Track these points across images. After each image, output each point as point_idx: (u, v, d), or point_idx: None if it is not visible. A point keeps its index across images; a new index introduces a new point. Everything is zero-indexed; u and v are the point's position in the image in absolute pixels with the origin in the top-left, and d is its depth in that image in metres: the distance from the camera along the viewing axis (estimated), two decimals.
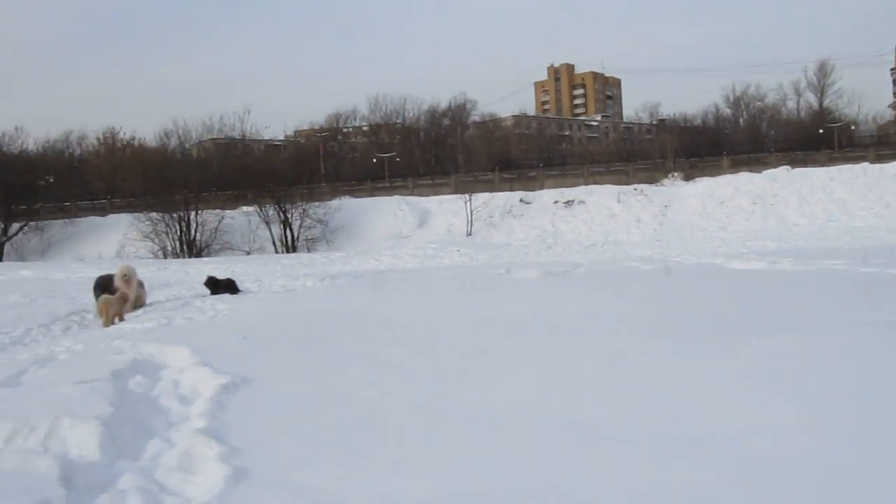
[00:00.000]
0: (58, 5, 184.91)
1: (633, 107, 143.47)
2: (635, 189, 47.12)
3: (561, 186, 48.53)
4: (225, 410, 5.17)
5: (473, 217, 43.74)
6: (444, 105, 78.16)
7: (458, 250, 27.32)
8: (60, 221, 49.43)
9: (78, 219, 50.83)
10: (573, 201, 46.09)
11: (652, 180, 49.10)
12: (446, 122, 77.22)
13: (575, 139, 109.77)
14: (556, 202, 46.34)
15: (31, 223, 48.24)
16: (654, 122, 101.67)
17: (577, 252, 32.61)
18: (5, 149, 52.93)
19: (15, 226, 47.76)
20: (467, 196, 44.35)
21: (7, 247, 47.23)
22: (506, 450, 4.22)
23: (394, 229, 44.47)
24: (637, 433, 4.36)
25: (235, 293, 13.93)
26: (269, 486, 3.83)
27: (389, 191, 52.99)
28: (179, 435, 4.84)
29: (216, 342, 7.56)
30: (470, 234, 42.72)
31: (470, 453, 4.20)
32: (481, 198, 44.78)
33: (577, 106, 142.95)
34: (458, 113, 77.28)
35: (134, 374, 6.26)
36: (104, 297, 11.76)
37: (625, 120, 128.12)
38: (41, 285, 19.75)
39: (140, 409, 5.43)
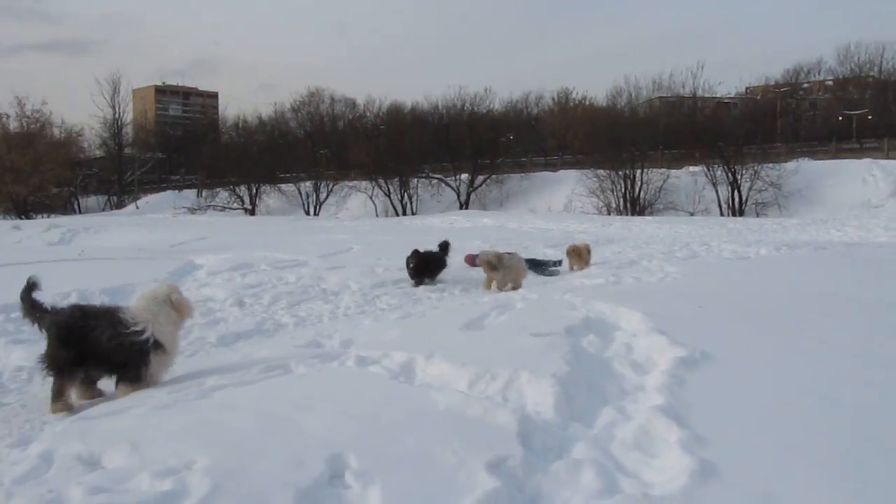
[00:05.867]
0: None
1: None
2: None
3: None
4: (685, 388, 4.66)
5: None
6: None
7: None
8: (517, 175, 53.66)
9: (532, 174, 54.68)
10: None
11: None
12: None
13: None
14: None
15: (493, 176, 53.29)
16: None
17: None
18: (476, 108, 59.03)
19: (479, 178, 53.27)
20: None
21: (472, 196, 53.01)
22: None
23: (861, 197, 39.11)
24: None
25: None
26: (743, 496, 3.23)
27: (858, 153, 46.72)
28: (634, 407, 4.49)
29: (669, 308, 7.07)
30: None
31: None
32: None
33: None
34: None
35: (587, 333, 6.09)
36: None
37: None
38: (498, 233, 21.51)
39: (593, 370, 5.21)
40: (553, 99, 75.17)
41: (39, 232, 25.20)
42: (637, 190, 45.63)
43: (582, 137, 59.56)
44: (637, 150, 45.80)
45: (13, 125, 54.83)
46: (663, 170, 45.64)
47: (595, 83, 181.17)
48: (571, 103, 73.60)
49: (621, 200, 45.73)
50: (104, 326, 5.32)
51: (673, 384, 4.72)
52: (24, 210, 51.08)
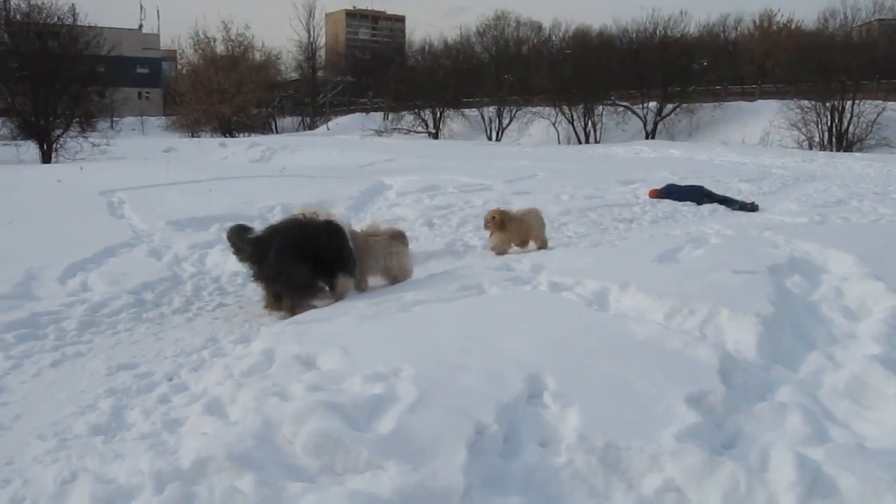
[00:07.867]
0: None
1: None
2: None
3: None
4: None
5: None
6: None
7: None
8: (709, 105, 50.66)
9: (726, 103, 51.38)
10: None
11: None
12: None
13: None
14: None
15: (683, 105, 50.69)
16: None
17: None
18: (669, 32, 55.91)
19: (668, 106, 50.88)
20: None
21: (659, 126, 50.87)
22: None
23: None
24: None
25: None
26: None
27: None
28: (845, 355, 4.23)
29: (886, 252, 6.50)
30: None
31: None
32: None
33: None
34: None
35: (792, 273, 5.75)
36: None
37: None
38: (687, 165, 20.59)
39: (799, 313, 4.94)
40: (754, 22, 69.64)
41: (243, 149, 27.16)
42: (845, 123, 41.76)
43: (785, 64, 54.98)
44: (848, 78, 41.68)
45: (220, 48, 58.43)
46: (878, 102, 41.33)
47: (803, 4, 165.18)
48: (775, 27, 67.89)
49: (826, 134, 42.07)
50: (322, 234, 5.80)
51: (892, 334, 4.39)
52: (227, 129, 54.84)
